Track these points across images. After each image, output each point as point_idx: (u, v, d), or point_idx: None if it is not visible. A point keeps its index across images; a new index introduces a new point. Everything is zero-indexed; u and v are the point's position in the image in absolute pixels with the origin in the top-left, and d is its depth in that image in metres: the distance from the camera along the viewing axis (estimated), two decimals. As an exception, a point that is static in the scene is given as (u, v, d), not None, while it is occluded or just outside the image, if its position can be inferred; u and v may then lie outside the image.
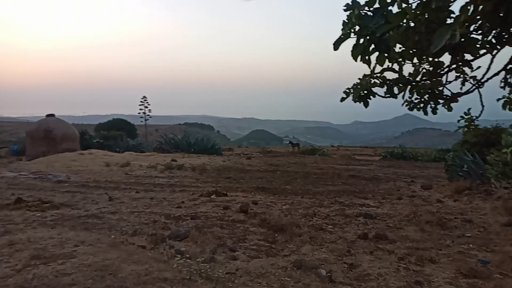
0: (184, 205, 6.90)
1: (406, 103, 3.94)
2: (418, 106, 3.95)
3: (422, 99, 3.93)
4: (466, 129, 11.22)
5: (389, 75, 3.64)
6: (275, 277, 3.51)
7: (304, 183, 10.58)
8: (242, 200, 7.51)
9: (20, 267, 3.25)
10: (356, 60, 3.10)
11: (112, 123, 35.81)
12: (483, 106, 3.71)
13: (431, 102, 3.91)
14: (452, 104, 3.86)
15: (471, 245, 4.72)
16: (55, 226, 4.92)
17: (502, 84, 3.44)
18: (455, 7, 3.25)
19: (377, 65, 3.27)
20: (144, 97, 61.82)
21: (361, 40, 3.02)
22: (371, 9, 2.93)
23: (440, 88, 3.81)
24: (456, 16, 2.64)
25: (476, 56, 3.21)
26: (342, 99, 3.85)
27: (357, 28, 2.99)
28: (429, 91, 3.84)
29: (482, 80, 3.48)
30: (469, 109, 11.26)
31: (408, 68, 3.62)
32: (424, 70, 3.68)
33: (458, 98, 3.78)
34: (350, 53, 3.08)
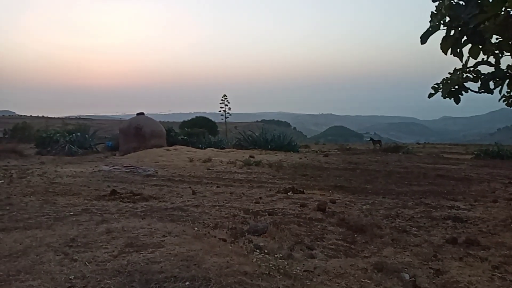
0: (261, 201, 7.04)
1: (504, 98, 3.59)
2: (518, 102, 3.58)
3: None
4: None
5: (484, 69, 3.33)
6: (354, 278, 3.44)
7: (386, 182, 10.09)
8: (319, 198, 7.43)
9: (116, 254, 3.62)
10: (445, 54, 2.88)
11: (195, 121, 37.82)
12: None
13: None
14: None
15: None
16: (145, 217, 5.33)
17: None
18: None
19: (470, 58, 3.01)
20: (225, 95, 64.21)
21: (452, 32, 2.80)
22: (463, -2, 2.70)
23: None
24: None
25: None
26: (430, 95, 3.62)
27: (447, 19, 2.78)
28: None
29: None
30: None
31: (506, 61, 3.28)
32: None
33: None
34: (439, 46, 2.88)
